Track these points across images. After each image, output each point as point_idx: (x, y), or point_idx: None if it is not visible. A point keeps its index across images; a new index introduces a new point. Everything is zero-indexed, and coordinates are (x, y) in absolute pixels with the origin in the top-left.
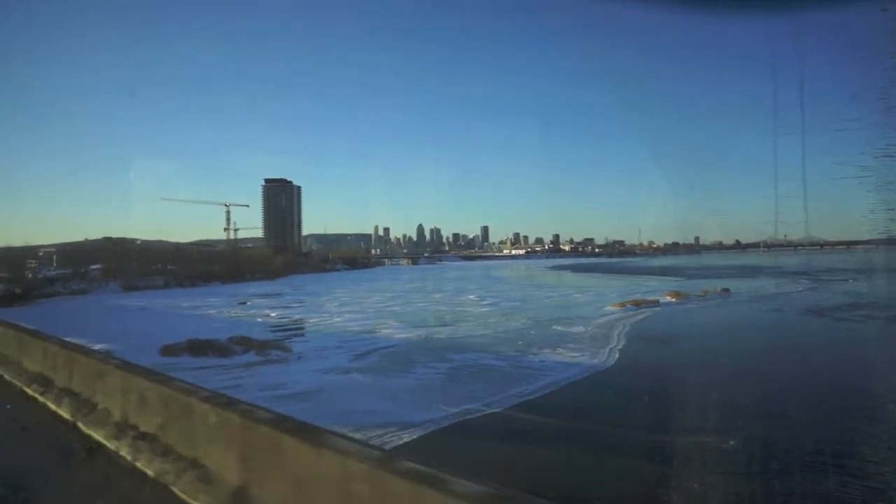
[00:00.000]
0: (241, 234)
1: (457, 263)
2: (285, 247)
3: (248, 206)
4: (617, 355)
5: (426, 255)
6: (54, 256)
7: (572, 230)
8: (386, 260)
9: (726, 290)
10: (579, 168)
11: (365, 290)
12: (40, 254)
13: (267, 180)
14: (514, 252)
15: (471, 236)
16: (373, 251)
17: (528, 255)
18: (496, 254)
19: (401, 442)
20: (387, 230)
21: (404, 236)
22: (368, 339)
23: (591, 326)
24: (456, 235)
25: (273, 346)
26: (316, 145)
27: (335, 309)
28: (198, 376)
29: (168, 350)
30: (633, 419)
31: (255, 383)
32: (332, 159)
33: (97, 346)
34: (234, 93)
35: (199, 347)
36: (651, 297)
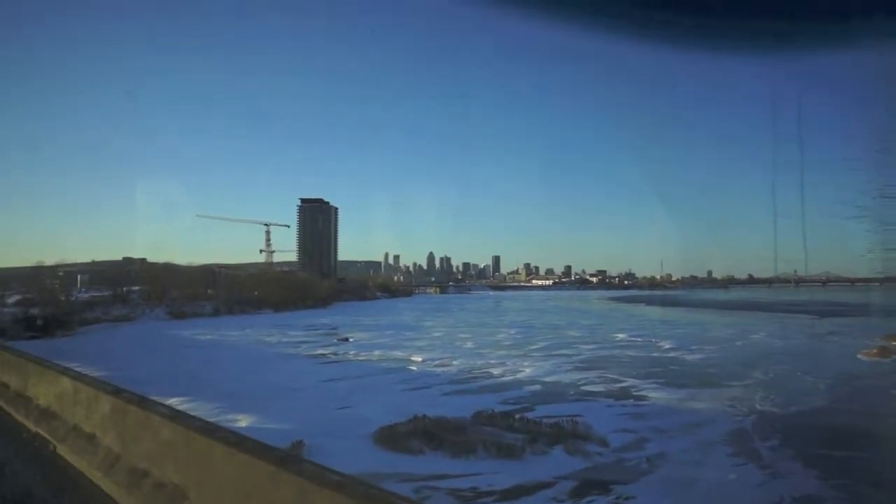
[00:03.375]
0: (274, 258)
1: (492, 293)
2: (327, 272)
3: (288, 226)
4: None
5: (452, 284)
6: (79, 277)
7: (581, 261)
8: (416, 288)
9: None
10: (587, 200)
11: (457, 322)
12: (60, 273)
13: (303, 200)
14: (540, 283)
15: (482, 266)
16: (395, 278)
17: (556, 286)
18: (524, 284)
19: None
20: (396, 258)
21: (414, 264)
22: (654, 409)
23: None
24: (466, 265)
25: (570, 433)
26: (325, 172)
27: (485, 352)
28: None
29: (388, 438)
30: None
31: None
32: (340, 187)
33: (242, 424)
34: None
35: (439, 435)
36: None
